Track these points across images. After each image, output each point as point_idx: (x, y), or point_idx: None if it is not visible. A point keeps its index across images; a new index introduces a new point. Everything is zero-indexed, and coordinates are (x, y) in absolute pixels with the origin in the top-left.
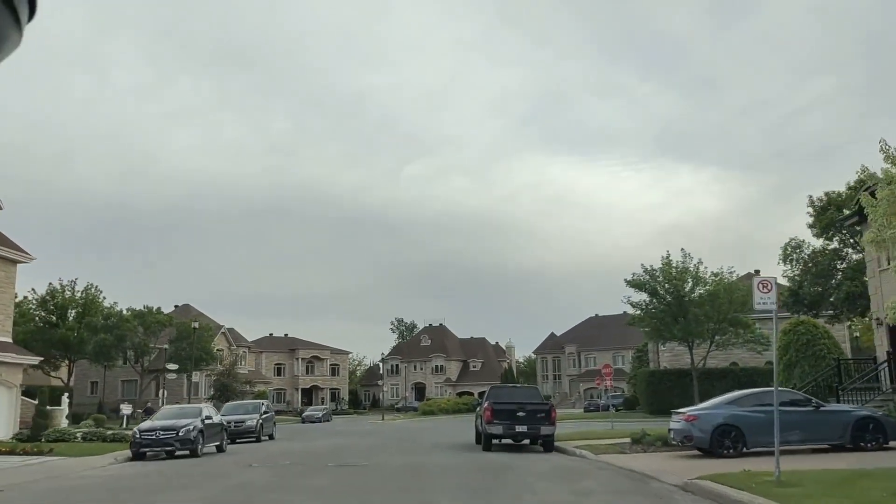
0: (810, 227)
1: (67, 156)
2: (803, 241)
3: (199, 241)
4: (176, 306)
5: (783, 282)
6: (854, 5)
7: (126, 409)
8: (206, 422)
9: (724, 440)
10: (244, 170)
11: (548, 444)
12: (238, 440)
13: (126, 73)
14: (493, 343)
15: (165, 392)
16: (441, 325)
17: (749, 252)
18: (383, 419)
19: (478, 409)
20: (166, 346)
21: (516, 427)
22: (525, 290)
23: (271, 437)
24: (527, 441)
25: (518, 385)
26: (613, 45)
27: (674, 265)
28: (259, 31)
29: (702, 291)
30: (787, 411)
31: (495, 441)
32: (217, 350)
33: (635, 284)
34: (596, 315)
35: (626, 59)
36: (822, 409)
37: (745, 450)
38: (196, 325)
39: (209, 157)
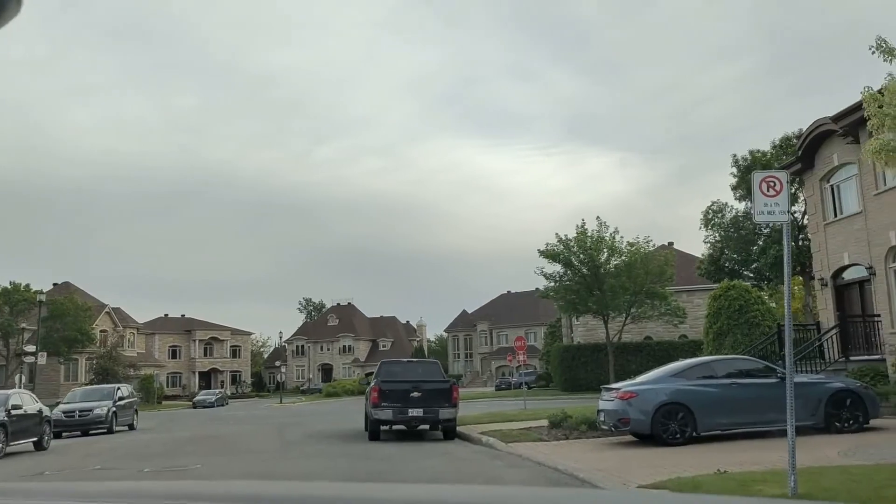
0: (734, 188)
1: None
2: (725, 204)
3: (98, 222)
4: (55, 284)
5: (704, 249)
6: None
7: None
8: (14, 412)
9: (668, 423)
10: (148, 149)
11: (448, 431)
12: (91, 432)
13: (19, 44)
14: (403, 322)
15: (23, 378)
16: (350, 304)
17: (653, 235)
18: (281, 402)
19: (367, 389)
20: (25, 325)
21: (409, 411)
22: (438, 270)
23: (131, 426)
24: (427, 426)
25: (414, 360)
26: (526, 27)
27: (589, 234)
28: (158, 3)
29: (618, 262)
30: (745, 385)
31: (385, 428)
32: (101, 331)
33: (549, 255)
34: (508, 292)
35: (538, 43)
36: None
37: (694, 434)
38: (42, 298)
39: (111, 136)
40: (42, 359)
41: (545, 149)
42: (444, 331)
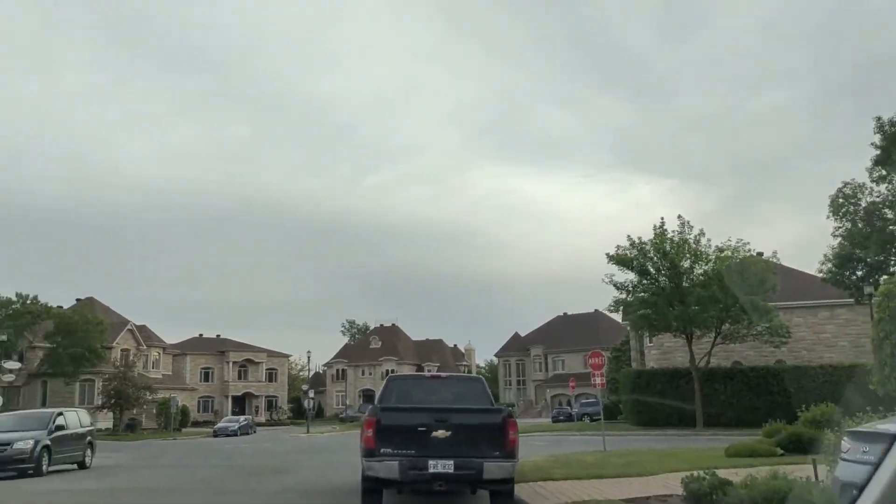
0: (877, 164)
1: (16, 158)
2: (862, 185)
3: (150, 249)
4: (78, 300)
5: (833, 243)
6: (803, 22)
7: None
8: None
9: None
10: (201, 177)
11: (501, 499)
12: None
13: (77, 75)
14: (451, 346)
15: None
16: (393, 325)
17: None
18: (308, 432)
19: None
20: (33, 341)
21: (429, 463)
22: (486, 294)
23: (82, 465)
24: (470, 488)
25: (442, 374)
26: (569, 55)
27: (669, 236)
28: (210, 35)
29: (705, 269)
30: None
31: (392, 490)
32: (122, 350)
33: (620, 260)
34: (564, 314)
35: (582, 70)
36: None
37: None
38: (19, 301)
39: (164, 164)
40: (9, 375)
41: (593, 175)
42: (495, 355)
